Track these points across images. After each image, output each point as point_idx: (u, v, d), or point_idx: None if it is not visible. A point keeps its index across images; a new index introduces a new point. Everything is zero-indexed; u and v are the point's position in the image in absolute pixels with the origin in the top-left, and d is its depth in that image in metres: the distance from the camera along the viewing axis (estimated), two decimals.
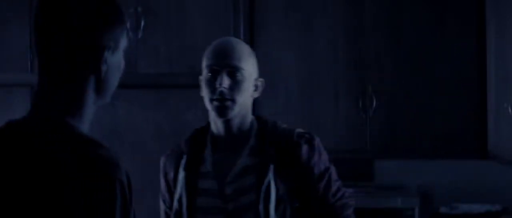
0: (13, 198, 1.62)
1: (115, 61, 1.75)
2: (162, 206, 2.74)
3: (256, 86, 2.63)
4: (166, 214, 2.72)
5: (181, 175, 2.62)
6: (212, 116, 2.60)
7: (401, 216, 4.40)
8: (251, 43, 4.52)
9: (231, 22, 4.53)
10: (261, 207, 2.51)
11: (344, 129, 4.55)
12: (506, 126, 4.04)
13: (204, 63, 2.59)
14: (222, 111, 2.54)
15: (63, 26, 1.68)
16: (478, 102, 4.47)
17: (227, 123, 2.58)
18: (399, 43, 4.54)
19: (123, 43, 1.77)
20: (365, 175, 4.72)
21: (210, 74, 2.56)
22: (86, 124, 1.72)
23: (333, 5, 4.55)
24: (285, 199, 2.53)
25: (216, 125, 2.61)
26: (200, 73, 2.62)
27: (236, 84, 2.55)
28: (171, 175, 2.67)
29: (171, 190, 2.67)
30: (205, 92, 2.58)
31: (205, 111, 2.65)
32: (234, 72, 2.55)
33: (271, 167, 2.53)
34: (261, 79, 2.66)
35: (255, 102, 2.73)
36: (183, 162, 2.64)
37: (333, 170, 2.64)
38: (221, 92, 2.53)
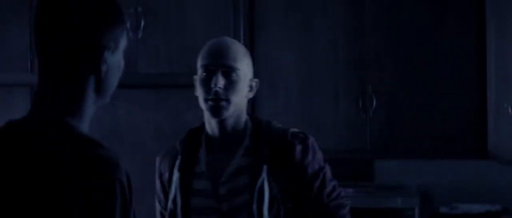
0: (13, 198, 1.62)
1: (115, 61, 1.75)
2: (157, 207, 2.74)
3: (250, 87, 2.62)
4: (162, 214, 2.71)
5: (176, 175, 2.62)
6: (207, 116, 2.59)
7: (401, 216, 4.39)
8: (251, 43, 4.52)
9: (231, 22, 4.53)
10: (254, 207, 2.50)
11: (344, 129, 4.55)
12: (506, 126, 4.04)
13: (199, 63, 2.59)
14: (217, 111, 2.53)
15: (63, 26, 1.68)
16: (478, 102, 4.47)
17: (221, 123, 2.57)
18: (399, 43, 4.54)
19: (123, 43, 1.77)
20: (365, 175, 4.72)
21: (205, 74, 2.55)
22: (86, 124, 1.72)
23: (333, 5, 4.55)
24: (279, 199, 2.52)
25: (211, 125, 2.60)
26: None
27: (231, 84, 2.54)
28: (166, 175, 2.67)
29: (166, 191, 2.67)
30: (199, 92, 2.57)
31: None
32: (229, 72, 2.54)
33: (265, 167, 2.52)
34: (255, 79, 2.65)
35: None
36: (177, 162, 2.64)
37: (328, 169, 2.62)
38: (216, 92, 2.52)
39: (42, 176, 1.60)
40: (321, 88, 4.57)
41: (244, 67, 2.58)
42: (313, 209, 2.58)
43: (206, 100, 2.54)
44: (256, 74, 2.72)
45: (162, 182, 2.70)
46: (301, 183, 2.56)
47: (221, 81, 2.52)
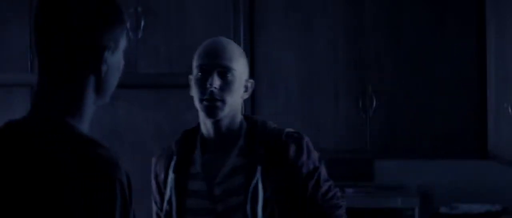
0: (13, 198, 1.62)
1: (115, 61, 1.75)
2: (154, 207, 2.74)
3: (246, 87, 2.61)
4: (158, 215, 2.71)
5: (171, 176, 2.61)
6: (202, 116, 2.58)
7: (401, 216, 4.39)
8: (251, 43, 4.52)
9: (231, 22, 4.53)
10: (248, 208, 2.49)
11: (344, 129, 4.55)
12: (506, 126, 4.04)
13: (195, 63, 2.58)
14: (212, 111, 2.52)
15: (63, 26, 1.68)
16: (478, 102, 4.48)
17: (216, 124, 2.56)
18: (399, 43, 4.54)
19: (123, 43, 1.77)
20: (365, 175, 4.72)
21: (200, 74, 2.54)
22: (86, 124, 1.72)
23: (333, 5, 4.55)
24: (273, 199, 2.51)
25: (206, 125, 2.59)
26: None
27: (226, 84, 2.53)
28: (161, 176, 2.66)
29: (161, 192, 2.66)
30: (195, 92, 2.56)
31: None
32: (225, 72, 2.53)
33: (259, 168, 2.51)
34: (251, 80, 2.64)
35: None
36: (172, 163, 2.63)
37: (323, 170, 2.60)
38: (211, 93, 2.51)
39: (42, 176, 1.60)
40: (321, 88, 4.57)
41: (240, 67, 2.57)
42: (308, 209, 2.56)
43: (201, 100, 2.53)
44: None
45: (157, 183, 2.69)
46: (295, 183, 2.54)
47: (216, 82, 2.51)
